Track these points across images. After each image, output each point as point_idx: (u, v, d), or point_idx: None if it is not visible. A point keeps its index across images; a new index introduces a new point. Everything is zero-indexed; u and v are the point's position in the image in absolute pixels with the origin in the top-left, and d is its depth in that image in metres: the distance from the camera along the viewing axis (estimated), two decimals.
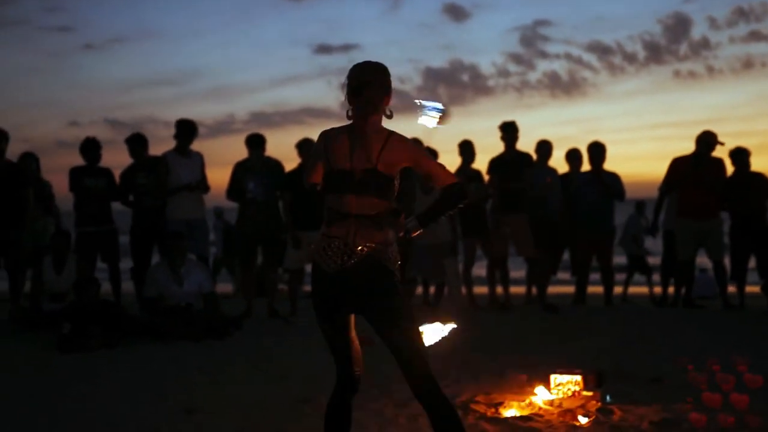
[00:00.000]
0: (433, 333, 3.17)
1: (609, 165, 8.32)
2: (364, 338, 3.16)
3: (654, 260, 12.03)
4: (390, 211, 2.96)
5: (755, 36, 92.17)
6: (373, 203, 2.94)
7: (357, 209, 2.94)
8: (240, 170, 7.65)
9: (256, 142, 7.70)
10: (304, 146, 7.61)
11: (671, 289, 8.81)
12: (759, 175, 8.10)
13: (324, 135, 3.05)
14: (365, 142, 2.97)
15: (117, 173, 7.75)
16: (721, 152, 7.98)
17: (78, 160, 7.70)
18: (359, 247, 2.92)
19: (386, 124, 3.05)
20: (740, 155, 8.06)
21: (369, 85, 2.96)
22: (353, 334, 3.04)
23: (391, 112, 3.04)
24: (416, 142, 3.06)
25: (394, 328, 2.90)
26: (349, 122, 3.04)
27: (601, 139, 8.42)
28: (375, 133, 2.99)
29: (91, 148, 7.61)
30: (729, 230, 8.15)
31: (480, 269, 9.31)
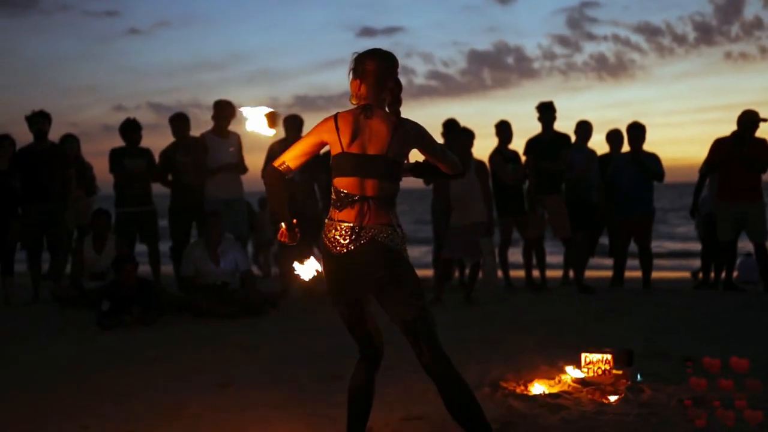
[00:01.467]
0: (306, 270, 3.18)
1: (656, 148, 8.23)
2: None
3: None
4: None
5: None
6: (383, 186, 2.99)
7: (369, 192, 2.98)
8: (275, 151, 7.72)
9: (293, 123, 7.76)
10: None
11: (712, 274, 8.67)
12: None
13: (336, 118, 3.03)
14: (379, 128, 2.99)
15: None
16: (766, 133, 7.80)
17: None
18: (367, 230, 2.95)
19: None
20: None
21: (390, 72, 3.01)
22: (370, 309, 3.07)
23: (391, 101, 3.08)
24: (423, 129, 3.11)
25: (403, 307, 2.93)
26: (354, 106, 3.06)
27: (648, 122, 8.31)
28: (386, 119, 3.01)
29: (130, 128, 7.74)
30: None
31: (516, 255, 9.28)
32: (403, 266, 2.97)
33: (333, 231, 2.99)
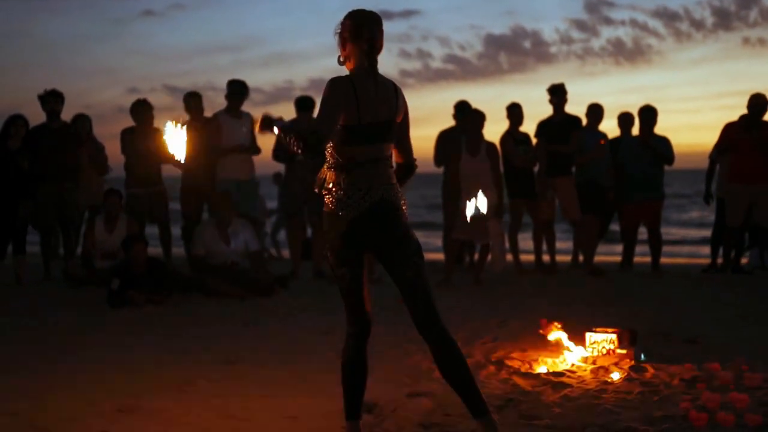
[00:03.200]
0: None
1: (672, 134, 8.25)
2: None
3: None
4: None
5: None
6: (388, 148, 3.05)
7: (377, 155, 3.00)
8: None
9: (305, 104, 7.77)
10: None
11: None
12: None
13: (353, 84, 2.96)
14: (386, 92, 3.02)
15: None
16: None
17: None
18: (375, 190, 2.97)
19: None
20: None
21: (380, 32, 3.04)
22: (366, 273, 3.09)
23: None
24: None
25: (407, 267, 2.96)
26: (347, 71, 3.07)
27: (665, 108, 8.32)
28: (388, 81, 3.06)
29: (140, 109, 7.78)
30: None
31: (527, 241, 9.29)
32: (406, 225, 3.03)
33: (341, 193, 2.97)
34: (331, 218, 3.02)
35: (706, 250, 15.53)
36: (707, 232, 19.44)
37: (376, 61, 3.04)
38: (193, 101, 7.78)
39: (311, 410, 3.65)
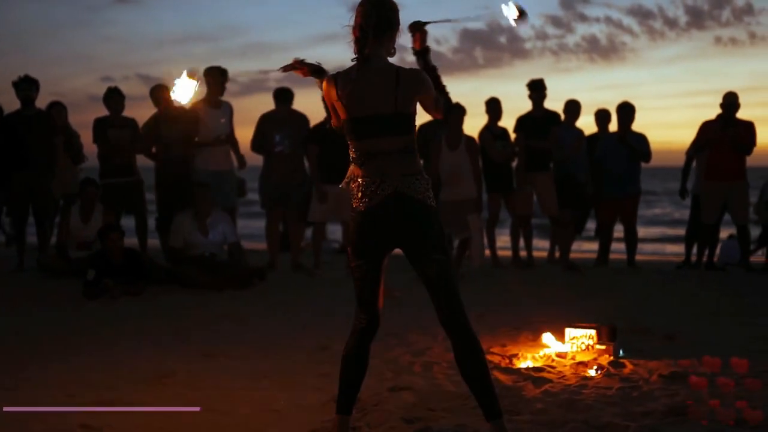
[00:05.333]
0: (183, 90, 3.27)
1: (645, 131, 8.26)
2: (385, 290, 3.18)
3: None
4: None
5: None
6: (395, 141, 2.95)
7: (384, 147, 2.94)
8: (266, 123, 7.70)
9: (284, 96, 7.73)
10: None
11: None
12: None
13: (336, 80, 2.98)
14: (379, 83, 2.94)
15: None
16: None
17: None
18: (389, 182, 2.92)
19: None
20: None
21: (390, 22, 2.97)
22: (383, 274, 3.04)
23: (395, 49, 3.04)
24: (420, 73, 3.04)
25: (429, 260, 2.92)
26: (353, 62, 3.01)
27: (638, 105, 8.33)
28: (385, 72, 2.96)
29: (113, 97, 7.67)
30: None
31: (503, 236, 9.34)
32: (428, 218, 2.94)
33: (356, 187, 2.98)
34: (352, 210, 3.03)
35: (673, 247, 15.81)
36: (674, 230, 19.70)
37: (370, 50, 2.93)
38: (160, 93, 7.68)
39: (293, 404, 3.64)
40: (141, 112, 7.95)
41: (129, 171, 7.69)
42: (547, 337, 4.59)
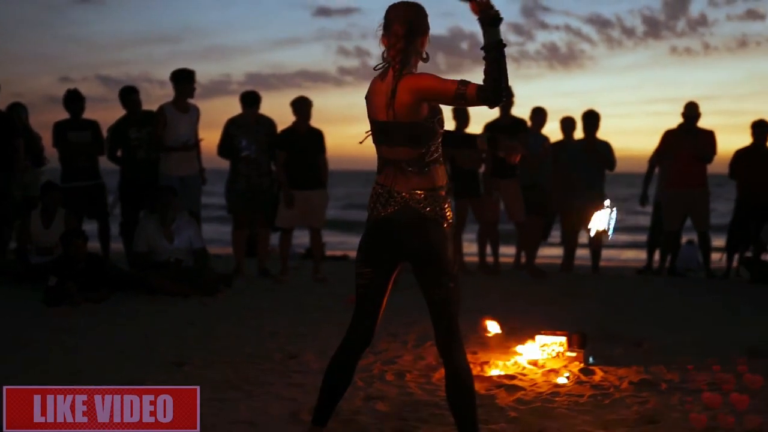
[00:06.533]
0: None
1: (604, 138, 8.37)
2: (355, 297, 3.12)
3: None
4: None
5: (751, 15, 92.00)
6: (406, 151, 2.83)
7: (396, 156, 2.87)
8: (232, 127, 7.61)
9: (251, 100, 7.65)
10: (298, 104, 7.57)
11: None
12: None
13: (372, 82, 2.94)
14: (383, 90, 2.86)
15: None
16: (740, 125, 8.09)
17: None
18: (398, 195, 2.84)
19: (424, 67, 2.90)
20: (761, 128, 8.14)
21: (397, 23, 2.83)
22: (388, 294, 2.97)
23: (427, 55, 2.90)
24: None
25: (434, 283, 2.86)
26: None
27: (598, 112, 8.43)
28: (389, 80, 2.84)
29: (73, 99, 7.51)
30: (735, 201, 8.28)
31: (470, 242, 9.38)
32: (436, 239, 2.82)
33: (372, 193, 2.93)
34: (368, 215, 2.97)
35: (629, 252, 16.07)
36: (630, 235, 20.01)
37: (390, 56, 2.83)
38: (130, 95, 7.56)
39: (266, 415, 3.58)
40: (100, 113, 7.84)
41: (92, 174, 7.56)
42: (518, 345, 4.61)
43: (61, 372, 4.28)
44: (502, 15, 2.70)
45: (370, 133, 2.94)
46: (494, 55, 2.69)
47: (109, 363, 4.48)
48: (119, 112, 7.64)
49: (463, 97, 2.72)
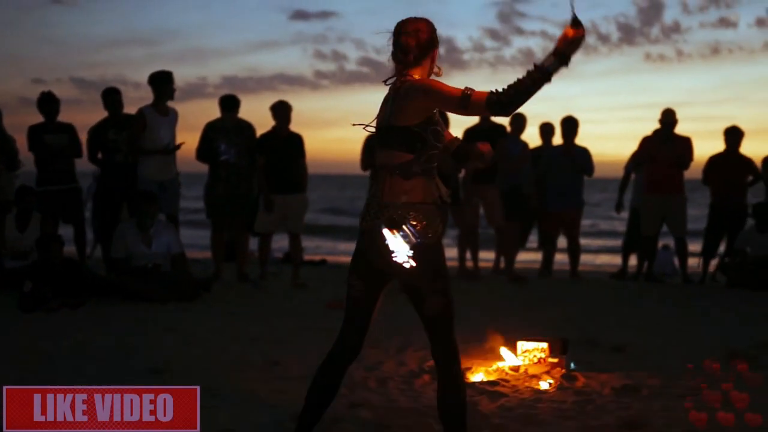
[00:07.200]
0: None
1: (579, 143, 8.42)
2: (335, 301, 3.11)
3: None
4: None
5: (724, 22, 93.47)
6: (395, 155, 2.83)
7: (385, 161, 2.87)
8: (211, 131, 7.55)
9: (230, 104, 7.59)
10: (278, 108, 7.53)
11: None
12: (746, 158, 8.29)
13: None
14: (392, 95, 2.88)
15: (83, 133, 7.59)
16: (713, 131, 8.19)
17: (41, 119, 7.51)
18: (385, 208, 2.81)
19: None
20: (733, 134, 8.25)
21: (400, 36, 2.85)
22: (378, 305, 2.94)
23: (438, 68, 2.91)
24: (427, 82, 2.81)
25: (423, 302, 2.84)
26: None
27: (577, 118, 8.49)
28: (398, 87, 2.86)
29: (48, 102, 7.41)
30: (709, 206, 8.38)
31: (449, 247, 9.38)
32: (424, 255, 2.78)
33: (366, 204, 2.91)
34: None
35: (604, 257, 16.17)
36: (604, 240, 20.13)
37: (395, 66, 2.88)
38: (113, 97, 7.48)
39: (248, 422, 3.55)
40: (74, 115, 7.75)
41: (68, 178, 7.45)
42: (503, 351, 4.60)
43: (35, 379, 4.21)
44: (570, 63, 2.69)
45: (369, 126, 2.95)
46: (537, 76, 2.67)
47: (86, 370, 4.41)
48: (94, 113, 7.67)
49: (467, 99, 2.71)
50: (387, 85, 2.93)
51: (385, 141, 2.88)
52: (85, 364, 4.55)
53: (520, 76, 2.69)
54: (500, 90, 2.69)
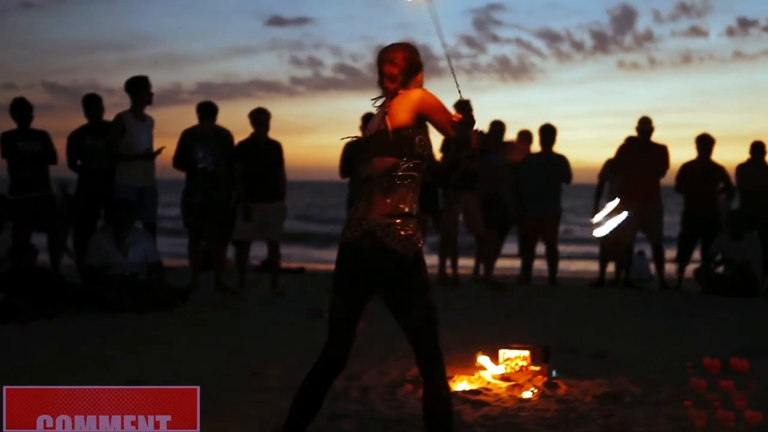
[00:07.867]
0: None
1: (558, 150, 8.47)
2: (314, 310, 3.08)
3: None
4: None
5: (695, 31, 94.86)
6: (380, 162, 2.84)
7: (370, 171, 2.87)
8: (188, 138, 7.46)
9: (208, 111, 7.52)
10: (257, 116, 7.47)
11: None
12: (718, 166, 8.38)
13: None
14: (379, 112, 2.94)
15: (55, 139, 7.48)
16: (685, 138, 8.27)
17: (13, 125, 7.40)
18: (366, 221, 2.81)
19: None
20: (705, 142, 8.33)
21: (381, 64, 2.95)
22: (361, 320, 2.93)
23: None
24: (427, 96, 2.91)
25: (406, 313, 2.84)
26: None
27: (555, 126, 8.53)
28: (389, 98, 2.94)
29: (21, 109, 7.30)
30: (682, 214, 8.45)
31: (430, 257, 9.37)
32: (402, 269, 2.80)
33: (348, 218, 2.90)
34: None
35: (579, 263, 16.26)
36: (578, 247, 20.23)
37: (383, 86, 2.97)
38: (94, 104, 7.39)
39: None
40: (46, 121, 7.62)
41: (42, 185, 7.33)
42: (482, 359, 4.59)
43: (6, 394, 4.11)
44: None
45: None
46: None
47: (60, 382, 4.31)
48: (66, 119, 7.60)
49: (451, 121, 2.89)
50: (375, 106, 2.97)
51: (373, 148, 2.87)
52: (60, 377, 4.45)
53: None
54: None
